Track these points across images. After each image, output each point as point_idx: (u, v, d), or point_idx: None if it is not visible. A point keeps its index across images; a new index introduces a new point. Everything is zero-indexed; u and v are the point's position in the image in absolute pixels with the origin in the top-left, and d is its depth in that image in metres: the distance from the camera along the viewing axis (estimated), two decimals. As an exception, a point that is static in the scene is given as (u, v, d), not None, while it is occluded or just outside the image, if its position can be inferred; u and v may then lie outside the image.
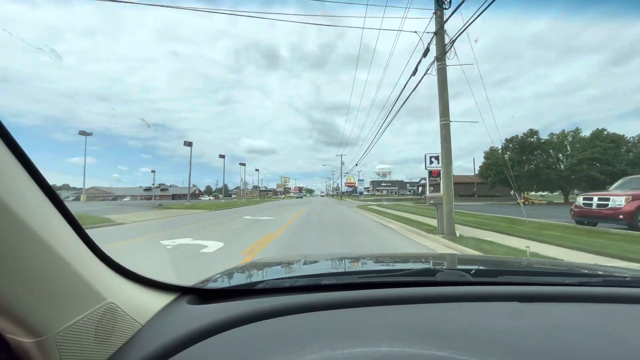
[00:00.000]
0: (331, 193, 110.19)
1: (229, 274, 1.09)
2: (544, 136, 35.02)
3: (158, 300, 0.72)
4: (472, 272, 0.96)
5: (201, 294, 0.81)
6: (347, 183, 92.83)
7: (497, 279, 0.90)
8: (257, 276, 1.10)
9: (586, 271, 1.07)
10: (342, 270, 1.20)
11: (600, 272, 1.03)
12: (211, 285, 0.90)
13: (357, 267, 1.28)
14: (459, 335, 0.56)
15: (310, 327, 0.63)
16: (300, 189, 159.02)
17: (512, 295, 0.76)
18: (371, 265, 1.28)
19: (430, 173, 10.72)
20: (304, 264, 1.24)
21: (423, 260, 1.46)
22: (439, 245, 6.84)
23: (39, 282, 0.44)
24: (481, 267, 1.19)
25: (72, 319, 0.48)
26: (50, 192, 0.47)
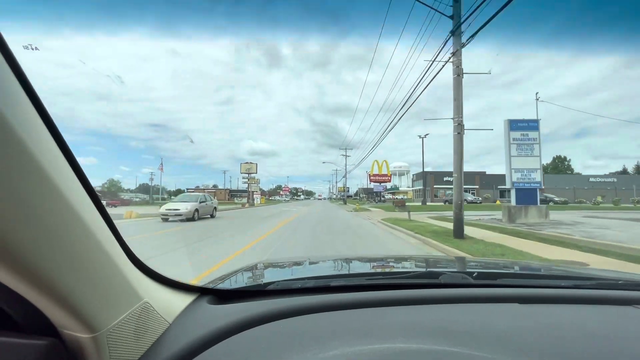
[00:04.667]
0: (334, 196, 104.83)
1: (241, 274, 1.16)
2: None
3: (181, 300, 0.77)
4: (474, 275, 0.98)
5: (218, 294, 0.87)
6: (343, 188, 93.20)
7: (497, 282, 0.96)
8: (267, 277, 1.19)
9: (581, 274, 1.13)
10: (349, 272, 1.26)
11: (593, 276, 1.08)
12: (227, 286, 0.96)
13: (364, 269, 1.33)
14: (466, 334, 0.60)
15: (327, 326, 0.67)
16: (294, 190, 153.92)
17: (512, 297, 0.80)
18: (377, 267, 1.33)
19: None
20: (310, 264, 1.31)
21: (426, 262, 1.48)
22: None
23: (95, 281, 0.49)
24: (482, 270, 1.23)
25: (119, 317, 0.53)
26: (95, 196, 0.52)
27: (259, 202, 64.29)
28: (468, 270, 1.13)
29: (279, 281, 0.99)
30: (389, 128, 14.78)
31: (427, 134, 37.29)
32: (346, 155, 48.15)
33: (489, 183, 50.61)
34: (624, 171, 53.87)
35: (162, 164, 54.19)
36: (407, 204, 47.56)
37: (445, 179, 52.24)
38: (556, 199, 33.81)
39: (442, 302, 0.79)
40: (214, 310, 0.76)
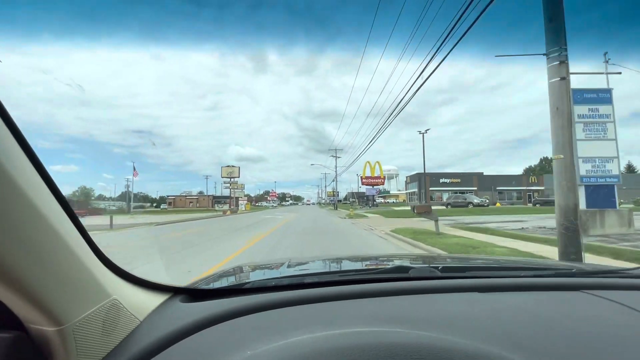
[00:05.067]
0: (323, 201, 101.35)
1: (219, 275, 1.17)
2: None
3: (154, 299, 0.78)
4: (440, 268, 1.04)
5: (193, 294, 0.86)
6: (332, 192, 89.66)
7: (462, 274, 1.02)
8: (244, 277, 1.20)
9: (540, 265, 1.25)
10: (323, 270, 1.29)
11: (551, 266, 1.20)
12: (201, 286, 0.96)
13: (338, 266, 1.37)
14: (422, 320, 0.66)
15: (294, 318, 0.70)
16: (281, 196, 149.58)
17: (473, 287, 0.86)
18: (351, 265, 1.40)
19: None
20: (288, 266, 1.31)
21: (399, 259, 1.54)
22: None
23: (60, 276, 0.51)
24: (447, 264, 1.33)
25: (85, 312, 0.55)
26: (61, 197, 0.55)
27: (243, 209, 60.02)
28: (435, 264, 1.17)
29: (254, 280, 1.03)
30: (380, 131, 14.38)
31: (427, 129, 33.97)
32: (336, 157, 44.57)
33: (486, 184, 47.89)
34: (630, 170, 52.00)
35: (134, 169, 49.17)
36: (396, 208, 44.04)
37: (441, 180, 49.19)
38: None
39: (409, 293, 0.82)
40: (186, 308, 0.76)
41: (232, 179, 47.25)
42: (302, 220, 20.52)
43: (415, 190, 53.05)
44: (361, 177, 46.03)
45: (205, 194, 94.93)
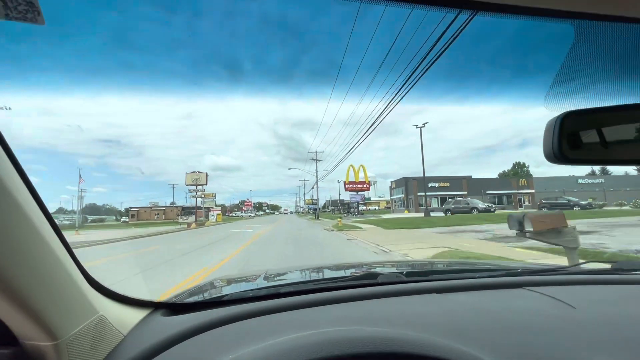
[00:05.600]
0: (301, 210, 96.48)
1: (197, 289, 1.19)
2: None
3: (136, 314, 0.82)
4: (405, 273, 1.15)
5: (173, 308, 0.90)
6: (311, 200, 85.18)
7: (424, 278, 1.11)
8: (223, 290, 1.24)
9: (492, 266, 1.35)
10: (298, 280, 1.38)
11: (503, 267, 1.31)
12: (181, 300, 1.00)
13: (313, 276, 1.42)
14: (385, 320, 0.74)
15: (271, 325, 0.74)
16: (257, 205, 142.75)
17: (432, 289, 0.94)
18: (325, 274, 1.47)
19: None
20: (265, 277, 1.33)
21: (368, 266, 1.59)
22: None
23: (54, 294, 0.55)
24: (414, 270, 1.46)
25: (77, 327, 0.59)
26: (52, 220, 0.58)
27: (214, 220, 53.85)
28: (401, 270, 1.26)
29: (232, 293, 1.09)
30: (362, 139, 16.03)
31: (425, 123, 30.25)
32: (317, 160, 40.14)
33: (475, 188, 45.13)
34: (605, 171, 51.23)
35: (80, 175, 42.29)
36: (383, 215, 40.25)
37: (430, 184, 45.81)
38: (582, 202, 27.58)
39: (378, 297, 0.90)
40: (167, 321, 0.80)
41: (198, 187, 41.44)
42: (279, 234, 15.72)
43: (402, 195, 49.44)
44: (344, 182, 41.76)
45: (177, 204, 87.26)
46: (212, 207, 68.97)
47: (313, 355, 0.55)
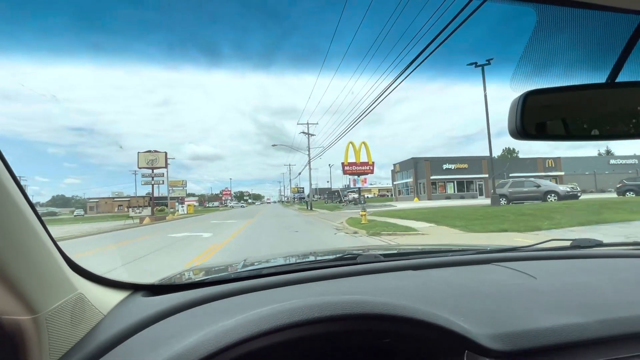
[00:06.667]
0: (285, 199, 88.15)
1: (178, 275, 1.20)
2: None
3: (117, 295, 0.83)
4: (383, 254, 1.17)
5: (153, 289, 0.90)
6: (296, 189, 76.70)
7: (401, 257, 1.17)
8: (205, 274, 1.24)
9: (463, 247, 1.41)
10: (281, 263, 1.37)
11: (473, 247, 1.34)
12: (162, 282, 0.99)
13: (295, 259, 1.42)
14: (362, 294, 0.78)
15: (253, 302, 0.74)
16: (238, 194, 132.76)
17: (408, 266, 1.00)
18: (307, 257, 1.50)
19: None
20: (245, 265, 1.33)
21: (349, 250, 1.64)
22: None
23: (33, 268, 0.56)
24: (391, 252, 1.53)
25: (55, 303, 0.59)
26: (30, 202, 0.60)
27: (184, 212, 44.26)
28: (380, 252, 1.25)
29: (215, 275, 1.10)
30: (350, 127, 16.06)
31: (490, 59, 21.12)
32: (309, 134, 31.40)
33: (497, 170, 37.87)
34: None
35: None
36: (397, 204, 32.20)
37: (445, 166, 37.96)
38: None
39: (356, 274, 0.94)
40: (148, 301, 0.80)
41: (154, 170, 32.01)
42: (259, 243, 7.38)
43: (409, 180, 41.49)
44: (342, 163, 33.31)
45: (154, 194, 76.40)
46: (182, 197, 59.08)
47: (293, 319, 0.56)
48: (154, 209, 32.64)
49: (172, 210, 49.01)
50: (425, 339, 0.61)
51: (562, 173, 38.42)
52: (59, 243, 0.66)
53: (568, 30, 0.62)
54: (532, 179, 20.13)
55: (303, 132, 31.53)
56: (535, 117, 0.64)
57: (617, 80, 0.62)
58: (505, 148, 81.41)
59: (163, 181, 32.99)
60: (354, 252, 1.32)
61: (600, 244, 1.20)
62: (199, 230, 13.53)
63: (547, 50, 0.65)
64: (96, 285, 0.78)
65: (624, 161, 41.03)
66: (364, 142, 34.27)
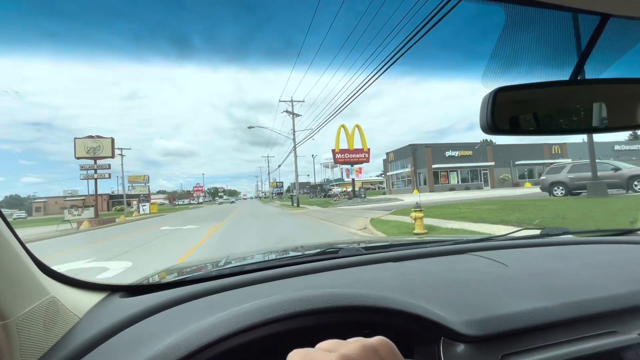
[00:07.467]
0: (262, 195, 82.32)
1: (158, 274, 1.19)
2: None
3: (92, 298, 0.80)
4: (365, 247, 1.19)
5: (132, 290, 0.88)
6: (275, 183, 71.12)
7: (381, 250, 1.15)
8: (185, 272, 1.21)
9: (441, 239, 1.40)
10: (262, 259, 1.36)
11: (451, 238, 1.35)
12: (141, 282, 0.98)
13: (277, 255, 1.44)
14: (344, 286, 0.80)
15: (235, 298, 0.75)
16: (213, 191, 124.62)
17: (389, 258, 1.02)
18: (290, 252, 1.45)
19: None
20: (228, 260, 1.32)
21: (332, 244, 1.62)
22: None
23: (1, 273, 0.55)
24: (373, 244, 1.48)
25: (26, 307, 0.57)
26: None
27: (147, 212, 37.33)
28: (362, 245, 1.27)
29: (196, 273, 1.09)
30: (332, 117, 15.32)
31: None
32: (293, 114, 25.66)
33: (500, 157, 34.08)
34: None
35: None
36: (405, 198, 27.21)
37: (447, 154, 33.57)
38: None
39: (338, 268, 0.95)
40: (126, 302, 0.79)
41: (97, 161, 25.16)
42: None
43: (406, 170, 36.82)
44: (333, 150, 28.05)
45: (112, 191, 67.29)
46: (146, 194, 51.60)
47: (274, 314, 0.57)
48: (111, 209, 25.79)
49: (132, 209, 41.80)
50: (404, 328, 0.62)
51: (569, 160, 35.34)
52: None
53: (535, 29, 0.65)
54: (604, 161, 15.59)
55: (286, 111, 25.79)
56: (506, 112, 0.66)
57: (579, 78, 0.65)
58: (483, 140, 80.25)
59: (109, 175, 26.15)
60: (337, 246, 1.32)
61: (567, 232, 1.30)
62: (116, 251, 7.78)
63: (516, 48, 0.68)
64: (70, 288, 0.75)
65: (628, 147, 38.67)
66: (357, 125, 29.10)
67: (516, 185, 33.01)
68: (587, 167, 13.73)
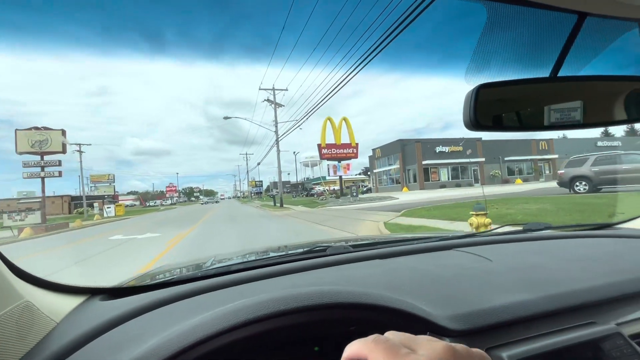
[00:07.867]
0: (240, 195, 78.98)
1: (142, 275, 1.17)
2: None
3: (71, 301, 0.77)
4: (352, 245, 1.21)
5: (113, 293, 0.85)
6: (254, 182, 68.63)
7: (368, 247, 1.17)
8: (170, 274, 1.19)
9: (427, 236, 1.41)
10: (249, 259, 1.35)
11: (436, 235, 1.36)
12: (123, 284, 0.96)
13: (263, 255, 1.43)
14: (331, 284, 0.78)
15: (221, 299, 0.74)
16: (189, 191, 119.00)
17: (376, 255, 1.03)
18: (276, 252, 1.45)
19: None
20: (214, 261, 1.31)
21: (319, 242, 1.62)
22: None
23: None
24: (360, 242, 1.49)
25: None
26: None
27: (109, 215, 33.26)
28: (350, 243, 1.28)
29: (181, 274, 1.08)
30: (312, 111, 15.32)
31: None
32: (275, 103, 23.08)
33: (489, 153, 33.13)
34: (607, 133, 44.18)
35: None
36: (402, 197, 24.93)
37: (438, 149, 32.13)
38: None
39: (326, 266, 0.95)
40: (107, 305, 0.77)
41: (44, 156, 21.49)
42: None
43: (395, 166, 35.10)
44: (319, 145, 25.77)
45: (85, 193, 61.22)
46: (112, 194, 47.09)
47: (259, 313, 0.56)
48: (73, 212, 22.05)
49: (97, 211, 37.60)
50: (390, 323, 0.61)
51: (556, 156, 34.96)
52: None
53: (515, 27, 0.67)
54: (633, 152, 14.16)
55: (267, 100, 23.16)
56: (488, 109, 0.67)
57: (559, 75, 0.67)
58: (464, 138, 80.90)
59: (60, 172, 22.52)
60: (324, 244, 1.31)
61: (549, 227, 1.33)
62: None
63: (498, 46, 0.69)
64: (47, 291, 0.72)
65: (609, 143, 39.00)
66: (344, 118, 26.94)
67: (506, 181, 32.12)
68: (614, 159, 12.23)
